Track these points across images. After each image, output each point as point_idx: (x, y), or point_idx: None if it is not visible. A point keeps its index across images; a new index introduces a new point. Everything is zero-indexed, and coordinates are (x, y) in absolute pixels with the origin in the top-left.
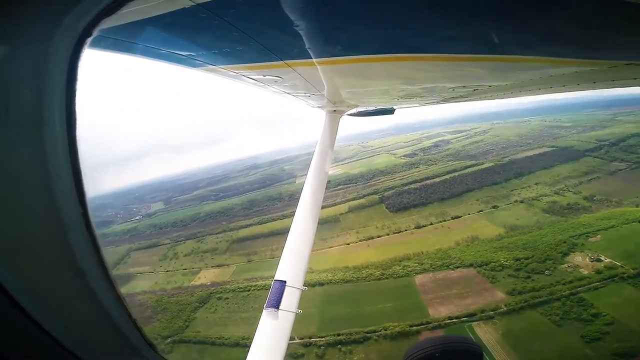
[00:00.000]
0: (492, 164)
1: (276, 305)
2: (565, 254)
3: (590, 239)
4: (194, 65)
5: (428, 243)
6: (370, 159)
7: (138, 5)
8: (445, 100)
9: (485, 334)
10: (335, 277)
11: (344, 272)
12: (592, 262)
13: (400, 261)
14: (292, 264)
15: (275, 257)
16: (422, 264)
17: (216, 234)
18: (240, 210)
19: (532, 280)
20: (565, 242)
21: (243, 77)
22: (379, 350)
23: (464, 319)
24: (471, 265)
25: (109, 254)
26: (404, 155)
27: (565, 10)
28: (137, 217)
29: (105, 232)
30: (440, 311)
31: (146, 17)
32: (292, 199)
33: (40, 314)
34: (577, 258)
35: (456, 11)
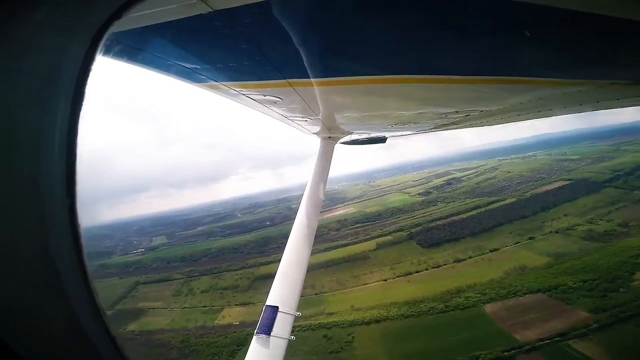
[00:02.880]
0: (514, 199)
1: (267, 331)
2: (632, 273)
3: None
4: (197, 80)
5: (475, 275)
6: (383, 198)
7: (152, 9)
8: (437, 127)
9: (587, 349)
10: (390, 313)
11: (397, 307)
12: None
13: (457, 293)
14: (285, 290)
15: (305, 296)
16: (484, 294)
17: (234, 270)
18: (255, 247)
19: (610, 298)
20: (625, 263)
21: (243, 96)
22: None
23: (557, 339)
24: (539, 290)
25: (113, 285)
26: (418, 194)
27: (554, 32)
28: (140, 250)
29: (106, 263)
30: (527, 335)
31: (158, 22)
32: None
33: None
34: None
35: (451, 33)
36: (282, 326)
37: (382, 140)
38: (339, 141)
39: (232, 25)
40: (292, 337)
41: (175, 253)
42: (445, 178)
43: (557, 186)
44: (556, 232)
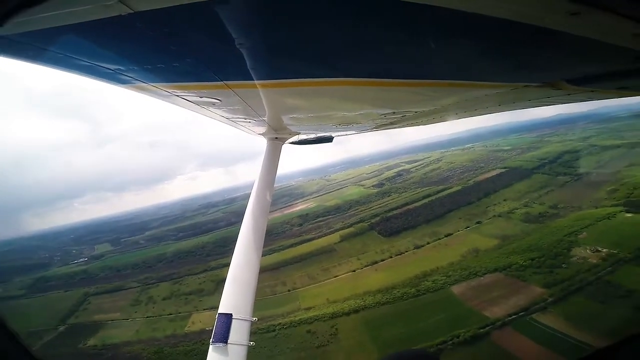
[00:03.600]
0: (460, 187)
1: (224, 339)
2: (568, 250)
3: (579, 236)
4: (121, 82)
5: (436, 259)
6: (339, 192)
7: (62, 9)
8: (378, 127)
9: (551, 321)
10: (367, 302)
11: (372, 296)
12: (593, 253)
13: (423, 277)
14: (237, 296)
15: (278, 294)
16: (449, 277)
17: (196, 274)
18: (214, 248)
19: (556, 273)
20: (561, 241)
21: (177, 97)
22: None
23: (522, 313)
24: (495, 270)
25: (58, 299)
26: (372, 186)
27: (475, 38)
28: (82, 260)
29: (44, 275)
30: (495, 312)
31: (71, 23)
32: (271, 234)
33: None
34: (580, 251)
35: (385, 39)
36: (239, 333)
37: (329, 139)
38: (287, 141)
39: (156, 26)
40: (252, 342)
41: (125, 260)
42: (396, 170)
43: (494, 174)
44: (499, 215)
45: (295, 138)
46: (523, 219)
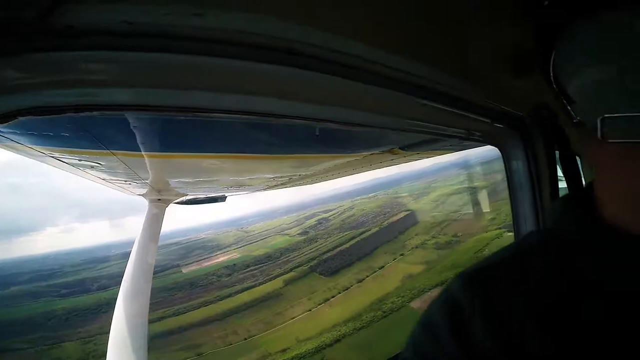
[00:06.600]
0: (377, 228)
1: None
2: None
3: None
4: None
5: (381, 287)
6: (264, 241)
7: None
8: (270, 187)
9: None
10: (342, 330)
11: (344, 325)
12: None
13: (380, 302)
14: None
15: (234, 344)
16: (403, 297)
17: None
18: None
19: None
20: None
21: (52, 158)
22: None
23: None
24: (443, 282)
25: None
26: (298, 234)
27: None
28: None
29: None
30: None
31: None
32: (197, 286)
33: None
34: None
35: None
36: None
37: (223, 199)
38: (173, 202)
39: None
40: None
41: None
42: (315, 219)
43: (401, 216)
44: (416, 247)
45: (183, 198)
46: (435, 247)
